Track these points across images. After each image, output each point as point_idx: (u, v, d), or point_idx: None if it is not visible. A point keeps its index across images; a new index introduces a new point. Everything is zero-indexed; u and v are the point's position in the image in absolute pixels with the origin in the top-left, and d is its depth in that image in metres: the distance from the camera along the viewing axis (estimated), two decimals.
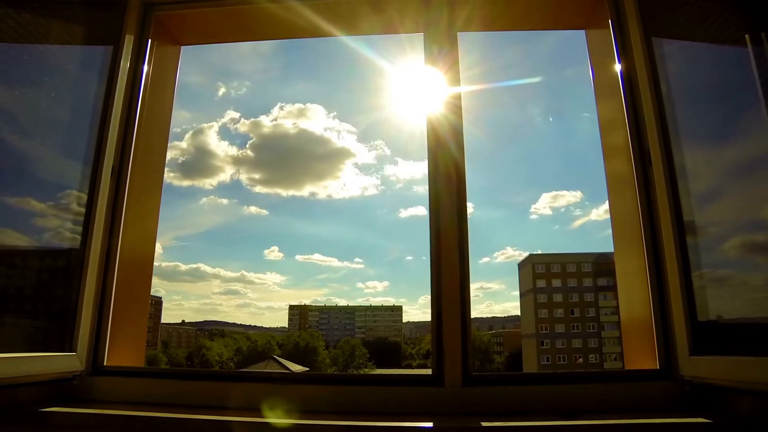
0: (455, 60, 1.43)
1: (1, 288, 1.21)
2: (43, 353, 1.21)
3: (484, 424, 1.06)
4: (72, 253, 1.35)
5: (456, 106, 1.40)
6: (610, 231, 1.51)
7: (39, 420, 1.12)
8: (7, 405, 1.12)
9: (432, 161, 1.38)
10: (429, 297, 1.27)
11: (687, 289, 1.18)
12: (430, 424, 1.07)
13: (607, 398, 1.20)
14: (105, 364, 1.38)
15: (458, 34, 1.48)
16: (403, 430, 1.06)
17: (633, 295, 1.40)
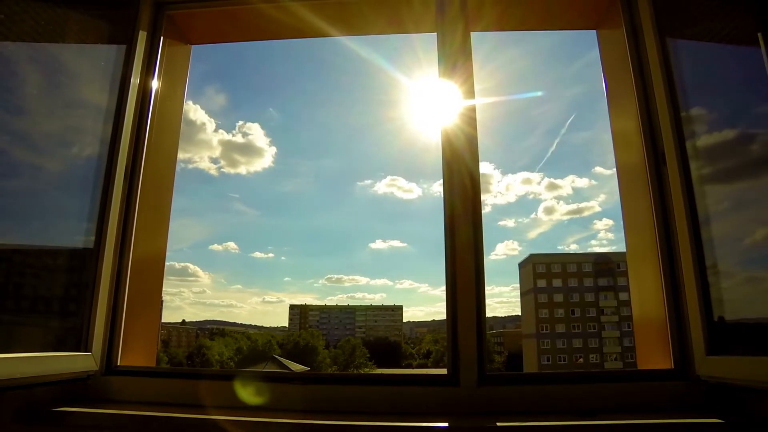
0: (469, 59, 1.42)
1: (18, 288, 1.21)
2: (60, 353, 1.21)
3: (499, 423, 1.06)
4: (86, 254, 1.35)
5: (470, 117, 1.40)
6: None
7: (57, 420, 1.12)
8: (24, 404, 1.12)
9: (446, 171, 1.38)
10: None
11: (703, 287, 1.18)
12: (445, 424, 1.07)
13: (623, 398, 1.20)
14: (118, 363, 1.39)
15: (472, 34, 1.47)
16: (419, 430, 1.06)
17: (646, 294, 1.40)
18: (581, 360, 59.54)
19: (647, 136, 1.38)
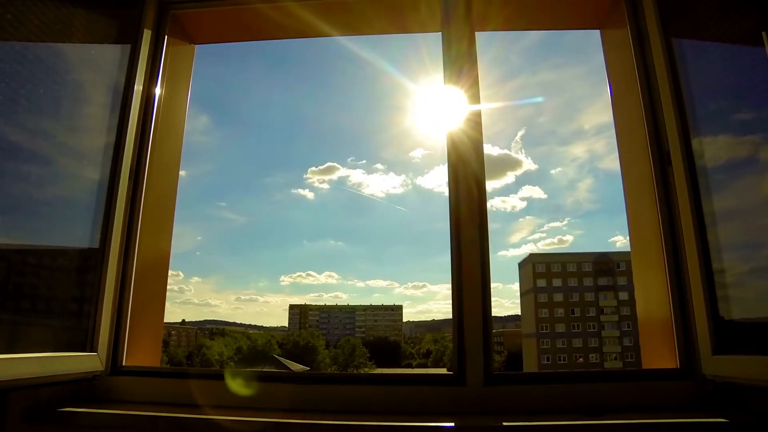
0: (474, 64, 1.42)
1: (24, 288, 1.21)
2: (67, 353, 1.21)
3: (505, 423, 1.06)
4: (92, 253, 1.35)
5: (476, 122, 1.40)
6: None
7: (63, 420, 1.12)
8: (31, 404, 1.12)
9: (452, 175, 1.38)
10: None
11: (709, 286, 1.18)
12: (451, 424, 1.07)
13: (629, 397, 1.20)
14: (124, 364, 1.39)
15: (476, 33, 1.47)
16: (425, 430, 1.06)
17: (651, 293, 1.40)
18: (581, 360, 59.56)
19: (652, 137, 1.38)
